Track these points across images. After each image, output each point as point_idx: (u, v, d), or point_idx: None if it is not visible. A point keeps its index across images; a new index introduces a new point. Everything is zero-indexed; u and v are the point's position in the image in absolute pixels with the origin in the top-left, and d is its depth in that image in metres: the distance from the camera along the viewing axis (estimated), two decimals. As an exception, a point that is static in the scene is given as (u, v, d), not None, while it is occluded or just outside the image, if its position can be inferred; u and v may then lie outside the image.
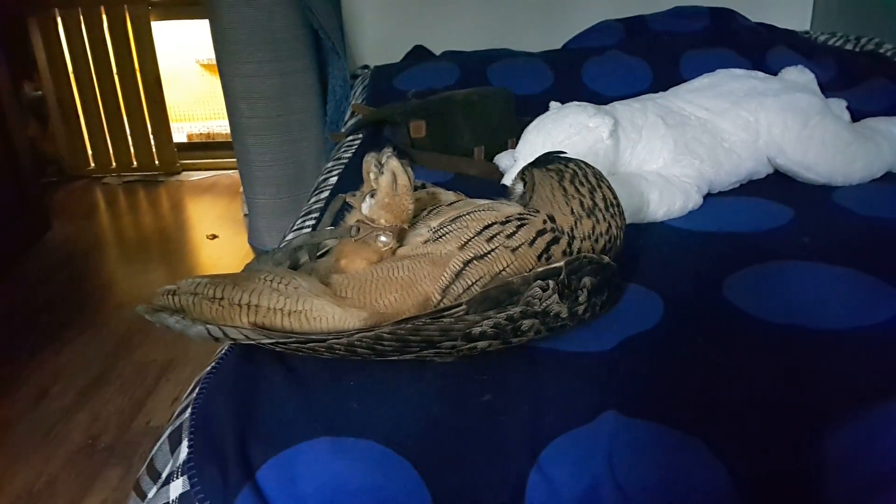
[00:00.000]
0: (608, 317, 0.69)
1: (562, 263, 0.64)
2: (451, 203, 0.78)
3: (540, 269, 0.64)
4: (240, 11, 1.86)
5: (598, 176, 0.76)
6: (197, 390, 0.62)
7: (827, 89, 1.21)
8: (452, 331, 0.59)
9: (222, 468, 0.54)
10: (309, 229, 0.99)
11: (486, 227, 0.68)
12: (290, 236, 0.99)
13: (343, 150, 1.42)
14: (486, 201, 0.74)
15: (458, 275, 0.64)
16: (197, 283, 0.62)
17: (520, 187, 0.79)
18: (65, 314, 1.94)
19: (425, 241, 0.69)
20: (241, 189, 2.19)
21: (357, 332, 0.59)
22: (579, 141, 0.98)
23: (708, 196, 1.03)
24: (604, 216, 0.72)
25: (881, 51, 1.69)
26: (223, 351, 0.67)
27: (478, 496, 0.53)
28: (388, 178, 0.69)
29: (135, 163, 3.26)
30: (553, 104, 1.13)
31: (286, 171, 2.04)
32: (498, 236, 0.67)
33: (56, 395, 1.56)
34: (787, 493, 0.52)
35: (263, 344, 0.60)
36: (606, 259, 0.68)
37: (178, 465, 0.56)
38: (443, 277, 0.64)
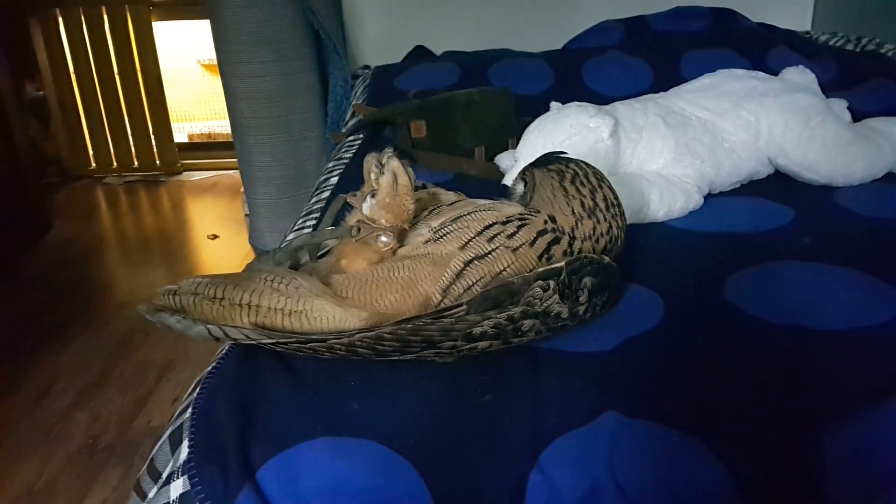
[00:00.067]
0: (609, 317, 0.69)
1: (562, 264, 0.63)
2: (452, 203, 0.78)
3: (541, 270, 0.64)
4: (241, 12, 1.86)
5: (599, 176, 0.76)
6: (197, 390, 0.62)
7: (828, 89, 1.21)
8: (453, 331, 0.59)
9: (223, 468, 0.53)
10: (310, 229, 0.99)
11: (487, 228, 0.68)
12: (290, 236, 0.99)
13: (344, 150, 1.42)
14: (487, 201, 0.74)
15: (458, 275, 0.64)
16: (198, 283, 0.62)
17: (520, 187, 0.79)
18: (65, 314, 1.94)
19: (426, 242, 0.69)
20: (242, 189, 2.19)
21: (358, 333, 0.59)
22: (580, 141, 0.98)
23: (709, 196, 1.03)
24: (604, 216, 0.72)
25: (882, 51, 1.69)
26: (224, 351, 0.67)
27: (478, 496, 0.53)
28: (388, 178, 0.69)
29: (136, 163, 3.27)
30: (554, 104, 1.12)
31: (287, 171, 2.04)
32: (499, 236, 0.67)
33: (56, 395, 1.56)
34: (787, 493, 0.52)
35: (264, 344, 0.60)
36: (607, 259, 0.68)
37: (178, 465, 0.56)
38: (443, 277, 0.65)
